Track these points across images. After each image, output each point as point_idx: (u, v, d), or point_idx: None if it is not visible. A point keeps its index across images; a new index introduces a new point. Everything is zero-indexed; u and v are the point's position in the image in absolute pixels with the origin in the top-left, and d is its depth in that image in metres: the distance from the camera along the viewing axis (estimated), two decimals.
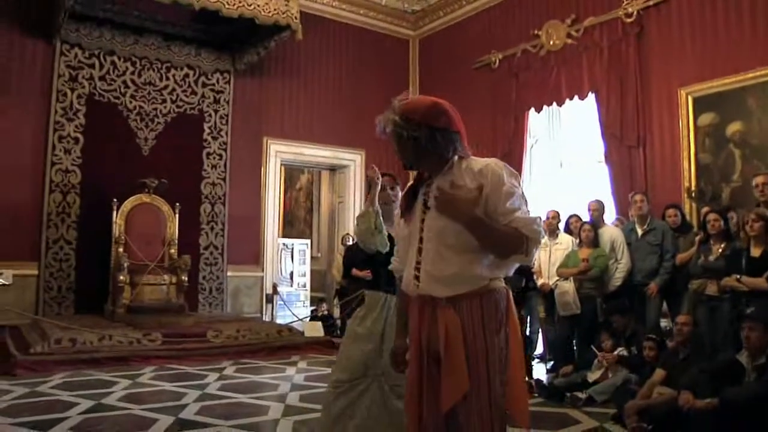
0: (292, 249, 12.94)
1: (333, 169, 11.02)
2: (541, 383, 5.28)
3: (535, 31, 8.87)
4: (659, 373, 4.44)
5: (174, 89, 8.89)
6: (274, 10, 7.72)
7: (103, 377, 5.72)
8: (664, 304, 5.89)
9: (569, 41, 8.45)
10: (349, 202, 10.60)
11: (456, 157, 2.14)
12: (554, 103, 8.69)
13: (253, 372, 6.16)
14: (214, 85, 9.25)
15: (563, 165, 9.38)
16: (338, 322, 8.74)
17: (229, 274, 9.25)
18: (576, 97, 8.35)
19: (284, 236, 14.03)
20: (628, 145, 7.78)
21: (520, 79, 9.12)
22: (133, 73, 8.58)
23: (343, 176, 10.81)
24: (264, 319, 9.30)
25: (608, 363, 5.05)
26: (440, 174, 2.15)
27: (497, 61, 9.41)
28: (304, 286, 12.83)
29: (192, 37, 8.97)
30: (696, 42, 7.30)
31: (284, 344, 7.24)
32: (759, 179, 5.01)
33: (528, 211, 2.02)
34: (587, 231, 5.89)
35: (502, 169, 2.06)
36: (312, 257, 13.14)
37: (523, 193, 2.05)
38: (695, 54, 7.30)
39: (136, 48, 8.60)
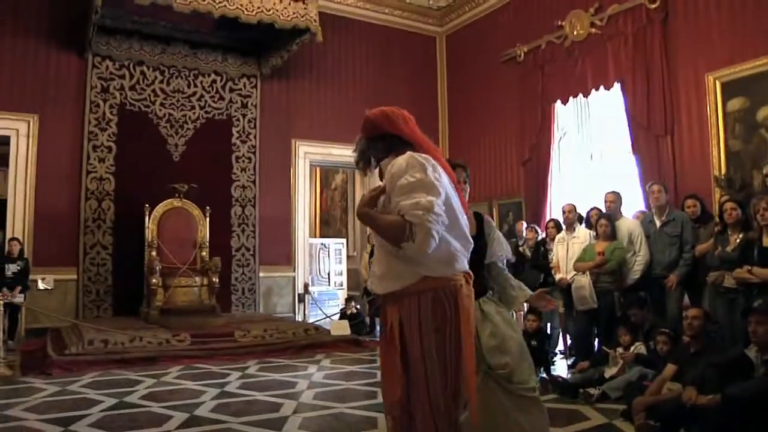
0: (329, 248, 13.12)
1: None
2: (555, 379, 5.21)
3: (559, 22, 8.73)
4: (670, 369, 4.33)
5: (202, 95, 9.14)
6: (293, 14, 7.85)
7: (131, 377, 5.95)
8: (686, 298, 5.72)
9: (593, 30, 8.29)
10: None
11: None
12: (580, 95, 8.54)
13: (276, 371, 6.29)
14: (241, 89, 9.46)
15: (593, 157, 9.20)
16: (367, 319, 8.82)
17: (261, 274, 9.46)
18: (602, 87, 8.21)
19: (321, 236, 14.24)
20: (656, 134, 7.60)
21: (545, 71, 9.00)
22: (162, 81, 8.87)
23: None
24: (297, 318, 9.46)
25: (625, 359, 4.95)
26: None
27: (522, 54, 9.31)
28: (341, 285, 12.99)
29: (217, 44, 9.20)
30: (723, 25, 7.06)
31: (311, 343, 7.35)
32: None
33: (424, 197, 1.98)
34: (603, 224, 5.77)
35: (406, 161, 2.09)
36: (348, 256, 13.28)
37: (427, 181, 2.02)
38: (722, 38, 7.06)
39: (164, 57, 8.88)
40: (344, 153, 10.33)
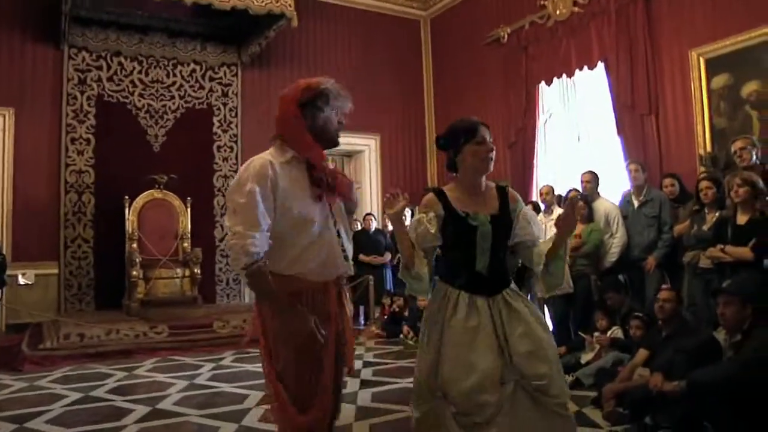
0: None
1: (349, 155, 10.96)
2: None
3: (542, 2, 8.53)
4: (641, 354, 4.21)
5: (182, 85, 9.01)
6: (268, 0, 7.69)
7: (104, 370, 5.87)
8: (668, 281, 5.57)
9: (576, 9, 8.09)
10: (366, 187, 10.53)
11: None
12: (564, 75, 8.36)
13: (251, 362, 6.19)
14: (221, 78, 9.32)
15: (581, 138, 9.02)
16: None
17: None
18: (585, 67, 8.02)
19: None
20: (641, 114, 7.42)
21: (529, 52, 8.81)
22: (140, 72, 8.74)
23: (359, 162, 10.74)
24: None
25: (600, 343, 4.82)
26: None
27: (506, 35, 9.11)
28: None
29: (196, 32, 9.05)
30: (706, 0, 6.85)
31: None
32: (737, 144, 4.66)
33: (236, 223, 2.13)
34: (580, 205, 5.61)
35: (237, 179, 2.24)
36: None
37: (239, 203, 2.14)
38: (706, 13, 6.86)
39: (142, 47, 8.74)
40: None
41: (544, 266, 2.53)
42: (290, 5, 7.86)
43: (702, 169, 6.70)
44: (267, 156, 2.23)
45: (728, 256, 4.10)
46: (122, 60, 8.64)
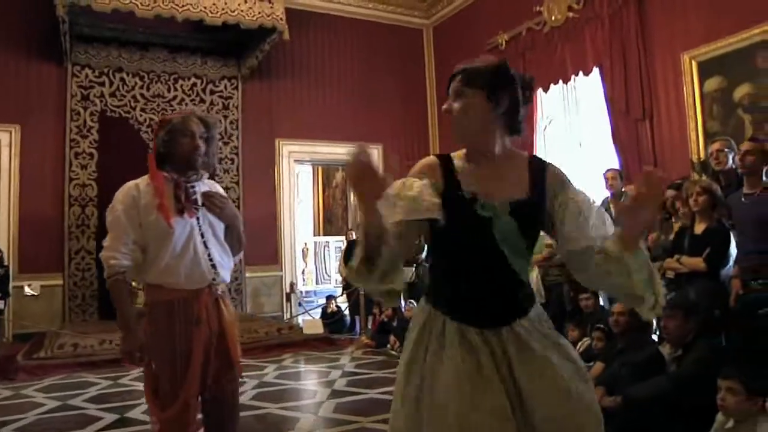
0: (328, 246, 13.13)
1: None
2: None
3: (538, 8, 8.47)
4: (597, 367, 4.13)
5: (182, 99, 9.21)
6: (258, 13, 7.82)
7: (91, 379, 6.01)
8: None
9: (571, 14, 8.02)
10: None
11: None
12: (560, 81, 8.27)
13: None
14: (222, 91, 9.50)
15: (582, 145, 8.89)
16: (347, 318, 8.78)
17: (247, 274, 9.47)
18: (581, 73, 7.92)
19: (325, 234, 14.24)
20: (635, 119, 7.33)
21: (526, 58, 8.76)
22: (141, 87, 8.96)
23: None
24: (285, 318, 9.45)
25: None
26: None
27: (504, 42, 9.07)
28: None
29: (196, 47, 9.25)
30: (698, 2, 6.72)
31: (281, 342, 7.33)
32: (715, 146, 4.52)
33: (106, 239, 2.45)
34: None
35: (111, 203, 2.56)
36: None
37: (108, 222, 2.47)
38: (698, 15, 6.76)
39: (143, 63, 8.98)
40: (331, 150, 10.31)
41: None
42: (281, 18, 7.97)
43: (695, 176, 6.55)
44: (137, 180, 2.51)
45: (683, 267, 3.99)
46: (124, 76, 8.88)
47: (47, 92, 8.50)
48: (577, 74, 8.02)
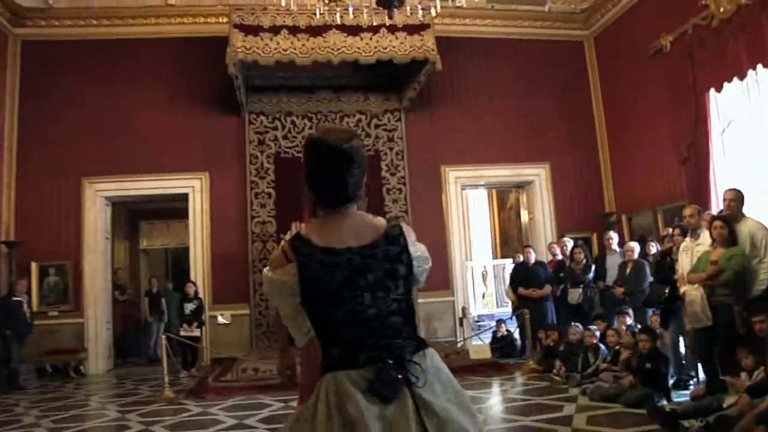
0: (505, 268, 12.83)
1: (520, 186, 10.76)
2: (656, 408, 4.49)
3: (703, 1, 7.71)
4: None
5: None
6: (410, 47, 8.07)
7: (266, 401, 6.47)
8: None
9: (743, 2, 7.15)
10: (539, 217, 10.25)
11: None
12: (735, 78, 7.39)
13: None
14: (386, 125, 9.89)
15: None
16: (518, 342, 8.47)
17: (420, 300, 9.57)
18: (759, 66, 7.00)
19: (502, 256, 13.97)
20: None
21: (694, 58, 7.99)
22: (310, 127, 9.62)
23: (530, 192, 10.49)
24: (457, 343, 9.38)
25: (737, 387, 4.10)
26: None
27: (668, 44, 8.39)
28: None
29: (358, 84, 9.77)
30: None
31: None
32: None
33: None
34: (718, 227, 4.88)
35: None
36: None
37: None
38: None
39: (310, 105, 9.68)
40: (497, 173, 10.25)
41: None
42: (432, 49, 8.13)
43: None
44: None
45: None
46: (294, 119, 9.63)
47: (229, 140, 9.48)
48: (754, 68, 7.13)
